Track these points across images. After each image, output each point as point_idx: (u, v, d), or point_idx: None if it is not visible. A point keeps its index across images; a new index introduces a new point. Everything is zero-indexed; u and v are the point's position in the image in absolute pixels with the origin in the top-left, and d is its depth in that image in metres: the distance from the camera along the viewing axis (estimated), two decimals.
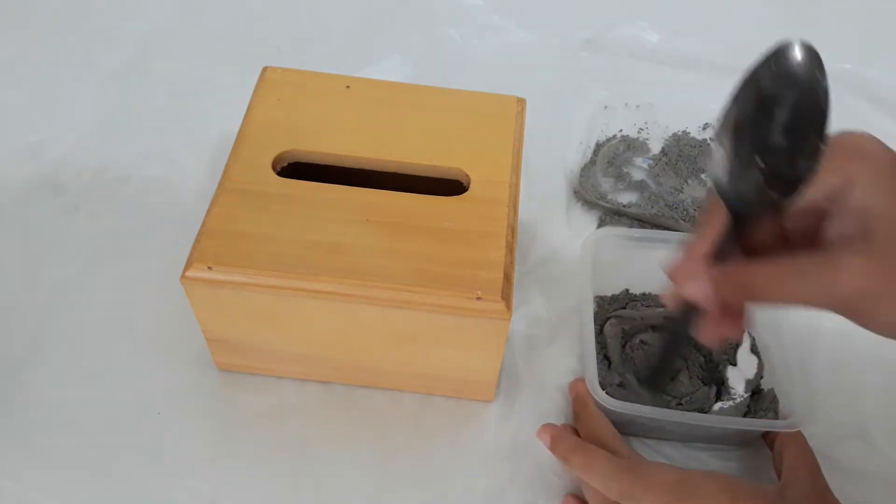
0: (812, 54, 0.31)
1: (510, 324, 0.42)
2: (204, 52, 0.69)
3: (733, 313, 0.36)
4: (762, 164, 0.32)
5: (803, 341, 0.53)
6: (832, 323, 0.53)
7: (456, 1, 0.76)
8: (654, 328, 0.51)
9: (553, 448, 0.45)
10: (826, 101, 0.31)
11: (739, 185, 0.33)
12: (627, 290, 0.54)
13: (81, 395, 0.49)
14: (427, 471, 0.47)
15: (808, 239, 0.36)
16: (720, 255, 0.35)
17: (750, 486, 0.41)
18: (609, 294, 0.54)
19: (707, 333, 0.36)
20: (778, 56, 0.32)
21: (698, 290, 0.34)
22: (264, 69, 0.51)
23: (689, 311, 0.36)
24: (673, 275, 0.36)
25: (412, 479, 0.47)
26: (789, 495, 0.42)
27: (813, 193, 0.33)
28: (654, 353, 0.43)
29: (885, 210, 0.32)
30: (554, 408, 0.50)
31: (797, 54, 0.31)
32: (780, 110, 0.31)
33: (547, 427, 0.46)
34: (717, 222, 0.34)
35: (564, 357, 0.52)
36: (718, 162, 0.33)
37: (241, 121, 0.48)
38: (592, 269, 0.51)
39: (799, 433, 0.45)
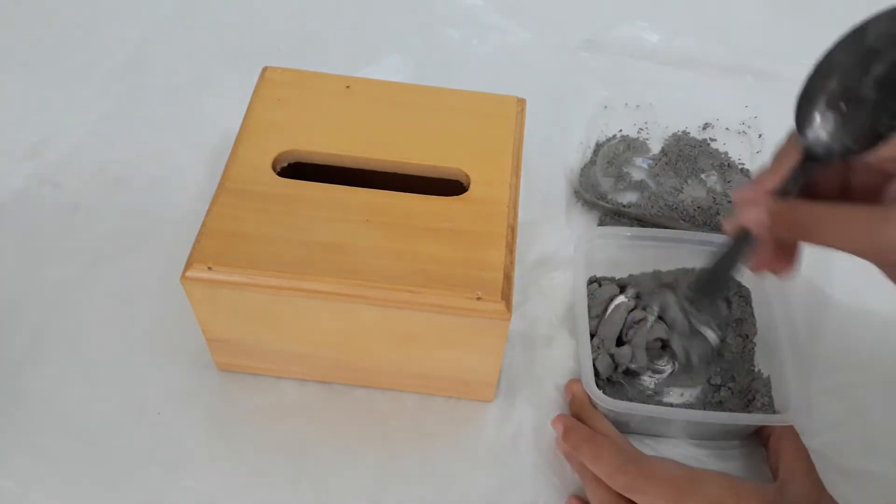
0: None
1: (510, 324, 0.42)
2: (204, 52, 0.69)
3: (787, 250, 0.38)
4: (845, 111, 0.33)
5: (803, 342, 0.53)
6: (832, 323, 0.54)
7: (456, 1, 0.76)
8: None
9: (565, 437, 0.46)
10: None
11: (820, 126, 0.34)
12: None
13: (81, 395, 0.49)
14: (427, 471, 0.47)
15: (868, 195, 0.37)
16: (784, 192, 0.36)
17: (751, 485, 0.41)
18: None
19: (758, 262, 0.38)
20: (892, 14, 0.33)
21: (756, 216, 0.37)
22: (264, 69, 0.51)
23: (743, 238, 0.38)
24: (737, 200, 0.38)
25: (412, 479, 0.47)
26: (788, 494, 0.42)
27: (885, 152, 0.34)
28: (709, 264, 0.44)
29: None
30: (554, 408, 0.50)
31: None
32: (878, 65, 0.33)
33: (561, 417, 0.47)
34: (789, 160, 0.36)
35: (564, 357, 0.52)
36: (806, 99, 0.35)
37: (241, 121, 0.48)
38: (586, 270, 0.51)
39: (793, 431, 0.46)
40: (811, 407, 0.49)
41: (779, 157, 0.37)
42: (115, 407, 0.48)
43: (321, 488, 0.46)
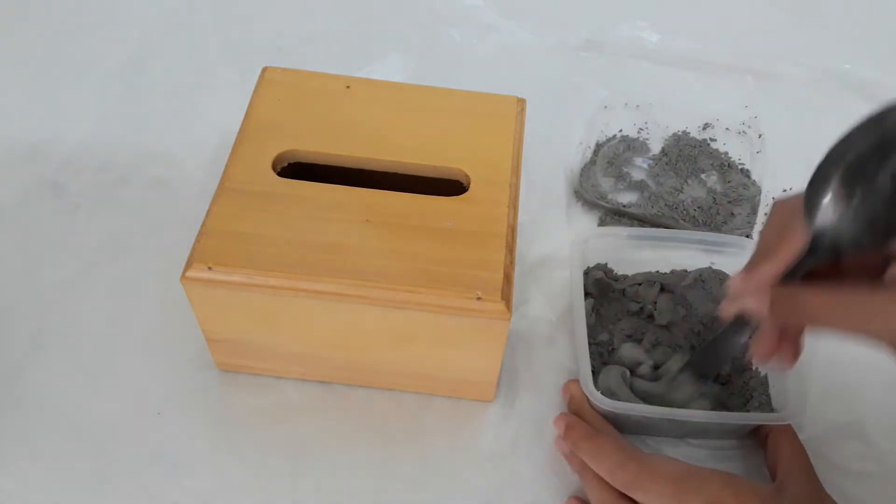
0: None
1: (510, 324, 0.42)
2: (204, 52, 0.69)
3: (790, 338, 0.38)
4: (859, 203, 0.32)
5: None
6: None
7: (456, 1, 0.76)
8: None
9: (566, 435, 0.46)
10: None
11: (831, 216, 0.33)
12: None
13: (81, 395, 0.49)
14: (427, 471, 0.47)
15: (864, 272, 0.36)
16: (787, 278, 0.36)
17: (751, 484, 0.41)
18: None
19: (761, 352, 0.38)
20: None
21: (758, 303, 0.36)
22: (264, 69, 0.51)
23: (742, 324, 0.38)
24: (738, 288, 0.38)
25: (412, 479, 0.47)
26: (787, 493, 0.42)
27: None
28: (707, 347, 0.45)
29: None
30: (553, 408, 0.50)
31: None
32: None
33: (563, 416, 0.47)
34: (792, 246, 0.35)
35: (564, 357, 0.52)
36: (818, 185, 0.33)
37: (241, 121, 0.48)
38: (583, 270, 0.51)
39: (791, 431, 0.46)
40: (810, 406, 0.49)
41: (780, 241, 0.36)
42: (115, 407, 0.48)
43: (321, 488, 0.46)
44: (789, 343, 0.38)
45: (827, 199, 0.33)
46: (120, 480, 0.46)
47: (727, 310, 0.39)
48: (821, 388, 0.51)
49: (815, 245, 0.34)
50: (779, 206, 0.39)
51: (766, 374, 0.50)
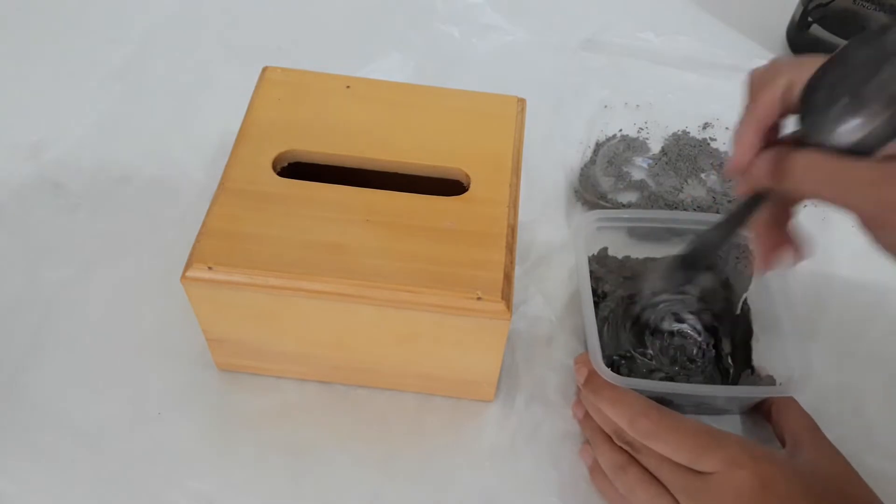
0: None
1: (510, 324, 0.42)
2: (204, 52, 0.69)
3: (785, 237, 0.39)
4: (846, 104, 0.33)
5: (804, 343, 0.53)
6: (833, 324, 0.54)
7: (456, 0, 0.76)
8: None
9: (588, 381, 0.45)
10: None
11: (821, 115, 0.34)
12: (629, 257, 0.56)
13: (82, 395, 0.49)
14: (427, 471, 0.47)
15: None
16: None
17: (766, 449, 0.42)
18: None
19: (764, 253, 0.39)
20: None
21: (764, 164, 0.37)
22: (264, 69, 0.51)
23: (751, 203, 0.39)
24: (738, 142, 0.38)
25: (412, 479, 0.47)
26: (799, 458, 0.43)
27: None
28: (702, 234, 0.45)
29: None
30: (554, 407, 0.50)
31: None
32: (888, 69, 0.32)
33: (584, 364, 0.46)
34: (772, 94, 0.36)
35: (564, 357, 0.52)
36: (812, 88, 0.35)
37: (241, 121, 0.48)
38: (586, 249, 0.51)
39: (793, 401, 0.47)
40: (815, 407, 0.49)
41: (755, 111, 0.38)
42: (115, 407, 0.48)
43: (321, 488, 0.46)
44: (787, 240, 0.39)
45: (820, 101, 0.34)
46: (120, 480, 0.46)
47: (733, 164, 0.39)
48: (821, 386, 0.51)
49: (805, 137, 0.35)
50: (754, 73, 0.40)
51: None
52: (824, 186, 0.35)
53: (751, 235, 0.41)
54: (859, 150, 0.33)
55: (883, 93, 0.32)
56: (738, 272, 0.54)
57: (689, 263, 0.45)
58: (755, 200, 0.39)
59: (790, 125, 0.37)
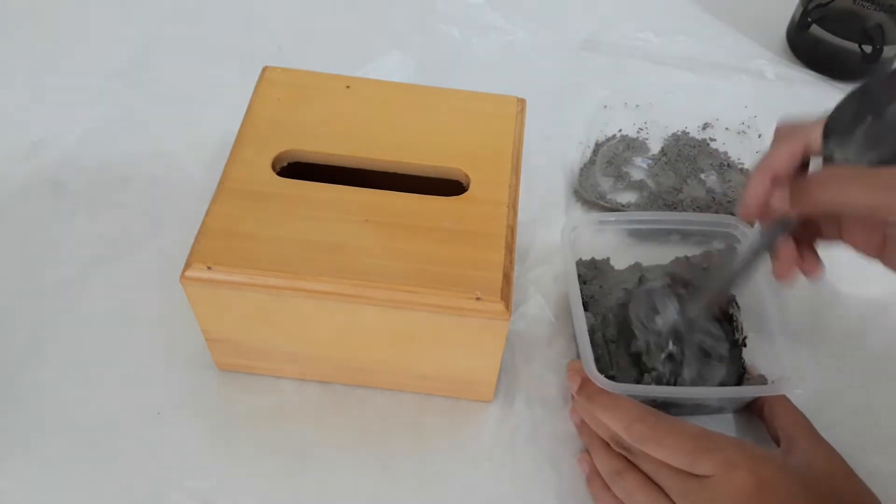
0: None
1: (509, 324, 0.42)
2: (204, 52, 0.69)
3: (808, 249, 0.41)
4: (870, 128, 0.36)
5: (805, 343, 0.53)
6: (833, 324, 0.54)
7: (457, 0, 0.76)
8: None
9: (582, 389, 0.45)
10: None
11: (844, 139, 0.37)
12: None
13: (81, 395, 0.49)
14: (426, 471, 0.47)
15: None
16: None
17: (762, 450, 0.42)
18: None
19: (782, 261, 0.42)
20: None
21: (779, 194, 0.40)
22: (264, 69, 0.51)
23: (774, 231, 0.41)
24: (750, 185, 0.41)
25: (412, 479, 0.47)
26: (794, 456, 0.43)
27: None
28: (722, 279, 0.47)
29: None
30: (553, 408, 0.50)
31: None
32: None
33: (578, 372, 0.46)
34: (788, 149, 0.40)
35: (564, 357, 0.52)
36: (839, 114, 0.38)
37: (241, 121, 0.48)
38: (574, 254, 0.51)
39: (785, 399, 0.47)
40: (815, 408, 0.49)
41: (781, 148, 0.41)
42: (115, 407, 0.48)
43: (321, 488, 0.46)
44: (809, 252, 0.42)
45: (841, 122, 0.37)
46: (120, 480, 0.46)
47: (744, 207, 0.42)
48: (821, 386, 0.51)
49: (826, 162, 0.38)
50: (780, 125, 0.43)
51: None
52: (853, 189, 0.36)
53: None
54: (884, 164, 0.36)
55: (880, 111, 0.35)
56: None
57: (714, 303, 0.47)
58: (774, 232, 0.41)
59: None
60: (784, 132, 0.42)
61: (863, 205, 0.37)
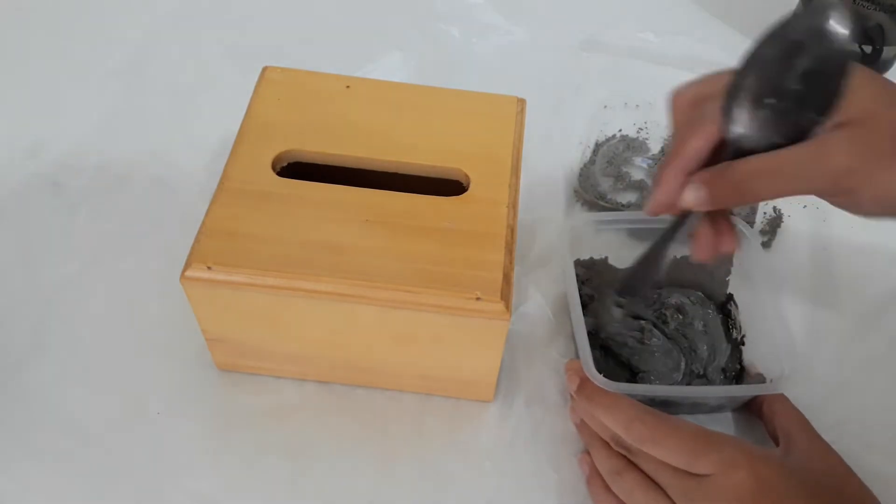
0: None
1: (509, 324, 0.42)
2: (204, 52, 0.69)
3: (722, 226, 0.39)
4: (772, 104, 0.34)
5: (807, 344, 0.53)
6: (833, 325, 0.54)
7: (457, 0, 0.76)
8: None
9: (581, 389, 0.45)
10: (847, 63, 0.33)
11: (747, 119, 0.35)
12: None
13: (81, 394, 0.49)
14: (427, 471, 0.47)
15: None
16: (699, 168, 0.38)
17: (761, 449, 0.42)
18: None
19: (700, 247, 0.39)
20: (812, 8, 0.34)
21: (695, 193, 0.37)
22: (264, 69, 0.51)
23: (678, 222, 0.39)
24: (662, 183, 0.38)
25: (412, 479, 0.47)
26: (792, 455, 0.43)
27: None
28: (635, 262, 0.45)
29: (867, 102, 0.35)
30: (553, 407, 0.50)
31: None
32: (801, 58, 0.33)
33: (577, 372, 0.46)
34: (701, 140, 0.37)
35: (564, 357, 0.52)
36: (733, 93, 0.35)
37: (241, 121, 0.48)
38: (572, 254, 0.51)
39: (783, 398, 0.47)
40: (814, 408, 0.49)
41: (686, 135, 0.38)
42: (114, 406, 0.48)
43: (320, 488, 0.46)
44: (725, 225, 0.40)
45: (743, 107, 0.35)
46: (120, 480, 0.46)
47: (655, 204, 0.40)
48: (821, 386, 0.51)
49: (735, 148, 0.36)
50: (677, 99, 0.42)
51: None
52: (774, 182, 0.35)
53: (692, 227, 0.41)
54: (794, 142, 0.34)
55: (803, 81, 0.33)
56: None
57: (627, 293, 0.46)
58: (681, 220, 0.40)
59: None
60: (688, 114, 0.40)
61: (797, 191, 0.35)
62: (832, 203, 0.37)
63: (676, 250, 0.55)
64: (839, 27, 0.32)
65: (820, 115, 0.34)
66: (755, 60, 0.35)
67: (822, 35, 0.32)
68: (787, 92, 0.34)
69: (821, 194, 0.35)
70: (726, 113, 0.35)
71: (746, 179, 0.36)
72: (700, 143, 0.37)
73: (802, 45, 0.33)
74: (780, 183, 0.35)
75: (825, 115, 0.33)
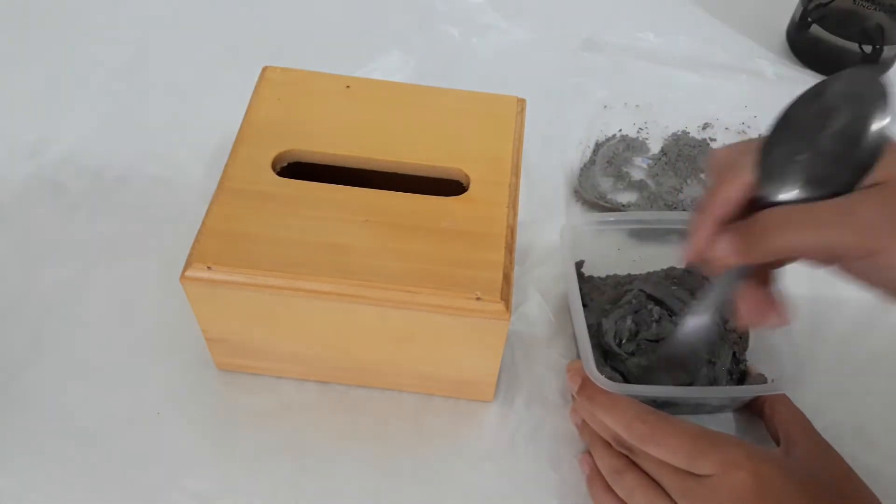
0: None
1: (509, 324, 0.42)
2: (204, 52, 0.69)
3: (768, 296, 0.38)
4: (805, 162, 0.34)
5: (807, 345, 0.53)
6: (833, 326, 0.54)
7: (457, 0, 0.76)
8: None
9: (582, 389, 0.45)
10: (884, 136, 0.33)
11: (780, 176, 0.35)
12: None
13: (81, 395, 0.49)
14: (427, 471, 0.47)
15: None
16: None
17: (762, 449, 0.42)
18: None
19: (747, 307, 0.38)
20: (846, 75, 0.34)
21: (724, 244, 0.36)
22: (264, 69, 0.51)
23: (734, 274, 0.38)
24: (696, 231, 0.38)
25: (412, 479, 0.47)
26: (794, 455, 0.43)
27: None
28: (681, 338, 0.44)
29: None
30: (553, 407, 0.50)
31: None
32: (835, 120, 0.34)
33: (577, 371, 0.46)
34: (733, 189, 0.37)
35: (564, 357, 0.52)
36: (768, 151, 0.36)
37: (241, 121, 0.48)
38: (573, 254, 0.51)
39: (785, 398, 0.47)
40: (815, 408, 0.49)
41: (721, 188, 0.37)
42: (114, 407, 0.48)
43: (320, 488, 0.46)
44: (769, 300, 0.38)
45: (776, 161, 0.35)
46: (120, 480, 0.46)
47: (692, 252, 0.39)
48: (821, 387, 0.51)
49: (767, 203, 0.36)
50: (713, 158, 0.40)
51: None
52: (799, 231, 0.34)
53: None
54: (814, 197, 0.34)
55: (837, 140, 0.33)
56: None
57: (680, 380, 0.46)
58: (732, 279, 0.39)
59: None
60: (723, 166, 0.39)
61: (814, 244, 0.34)
62: (854, 272, 0.36)
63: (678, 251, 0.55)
64: (878, 110, 0.32)
65: (853, 176, 0.33)
66: (790, 118, 0.35)
67: (860, 107, 0.33)
68: (821, 151, 0.34)
69: (846, 252, 0.34)
70: (759, 165, 0.36)
71: (772, 228, 0.35)
72: (732, 192, 0.37)
73: (835, 109, 0.34)
74: (805, 233, 0.34)
75: (858, 175, 0.33)
